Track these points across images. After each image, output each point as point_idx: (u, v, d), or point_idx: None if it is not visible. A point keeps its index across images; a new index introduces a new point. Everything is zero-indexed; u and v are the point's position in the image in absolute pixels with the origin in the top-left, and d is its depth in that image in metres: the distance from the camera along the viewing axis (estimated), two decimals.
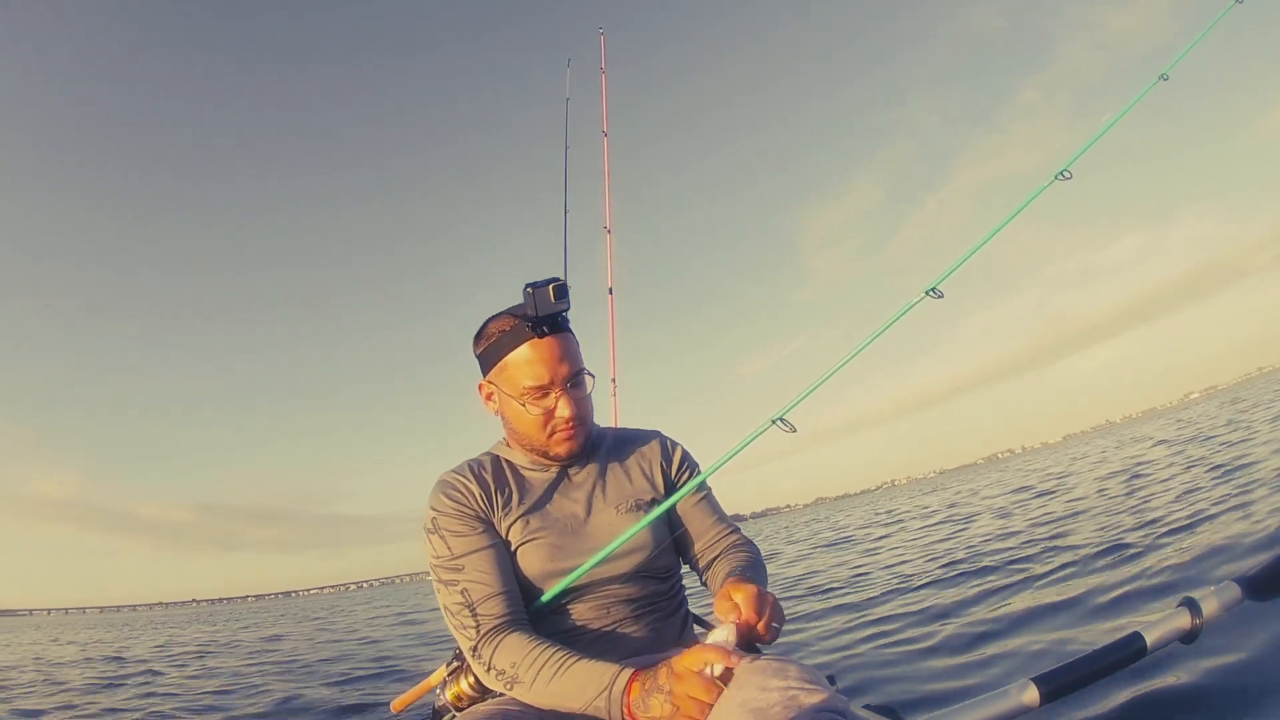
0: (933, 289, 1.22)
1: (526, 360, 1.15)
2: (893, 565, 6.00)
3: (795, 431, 1.11)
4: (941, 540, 6.92)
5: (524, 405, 1.17)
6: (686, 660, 0.89)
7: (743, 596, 0.99)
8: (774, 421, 1.11)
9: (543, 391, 1.16)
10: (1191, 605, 1.33)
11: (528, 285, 1.12)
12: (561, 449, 1.21)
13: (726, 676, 0.88)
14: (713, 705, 0.86)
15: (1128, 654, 1.26)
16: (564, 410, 1.17)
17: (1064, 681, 1.21)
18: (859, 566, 6.58)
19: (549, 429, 1.19)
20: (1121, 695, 1.87)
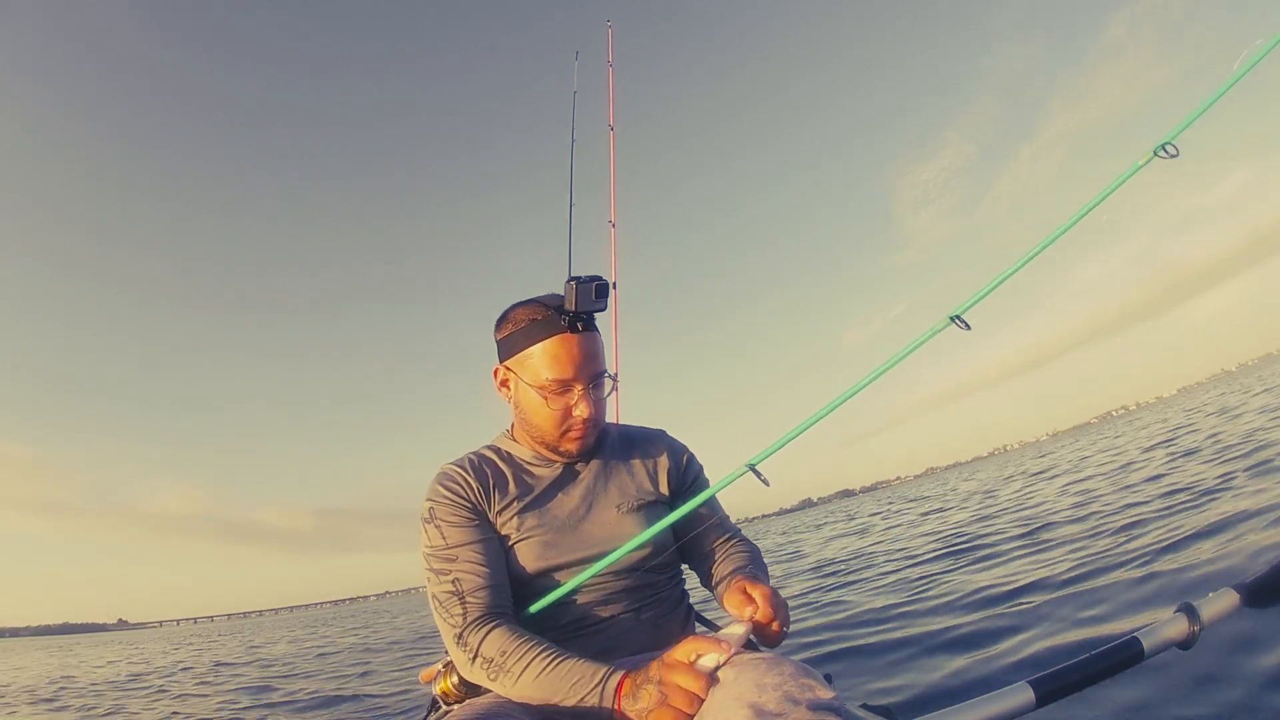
0: (957, 316, 1.06)
1: (555, 354, 1.15)
2: (902, 551, 6.00)
3: (769, 485, 1.05)
4: (968, 524, 6.91)
5: (544, 398, 1.17)
6: (677, 651, 0.91)
7: (760, 595, 1.02)
8: (749, 468, 1.08)
9: (565, 387, 1.16)
10: (1190, 611, 1.32)
11: (571, 278, 1.12)
12: (572, 446, 1.22)
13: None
14: (703, 697, 0.86)
15: (1124, 658, 1.26)
16: (582, 410, 1.17)
17: (1060, 684, 1.21)
18: (865, 555, 6.58)
19: (564, 426, 1.19)
20: (1117, 700, 1.87)
